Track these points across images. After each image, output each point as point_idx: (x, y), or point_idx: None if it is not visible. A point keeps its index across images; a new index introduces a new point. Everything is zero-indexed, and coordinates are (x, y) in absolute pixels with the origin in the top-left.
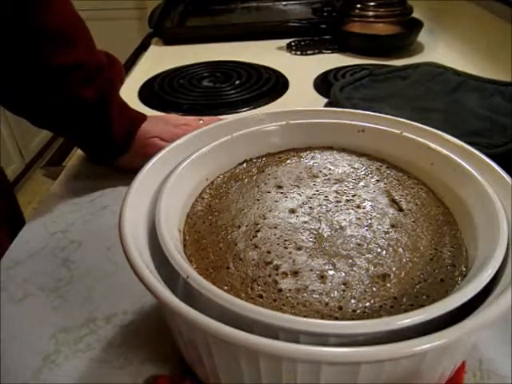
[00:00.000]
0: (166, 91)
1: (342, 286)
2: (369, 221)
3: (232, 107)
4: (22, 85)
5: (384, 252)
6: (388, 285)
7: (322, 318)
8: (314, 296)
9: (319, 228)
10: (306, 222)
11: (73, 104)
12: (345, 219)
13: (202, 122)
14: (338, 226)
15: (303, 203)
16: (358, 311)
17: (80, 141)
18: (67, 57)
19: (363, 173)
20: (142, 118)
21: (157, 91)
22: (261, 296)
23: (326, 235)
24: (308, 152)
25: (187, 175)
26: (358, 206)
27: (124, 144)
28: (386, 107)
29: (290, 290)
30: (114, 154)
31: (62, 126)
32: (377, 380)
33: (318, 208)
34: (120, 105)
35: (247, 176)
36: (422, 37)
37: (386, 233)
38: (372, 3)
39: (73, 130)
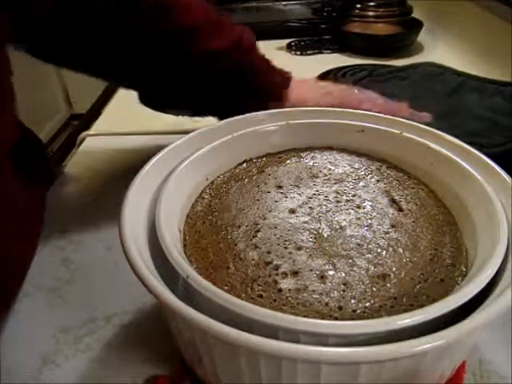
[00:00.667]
0: None
1: (342, 286)
2: (369, 221)
3: None
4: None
5: (384, 252)
6: (388, 285)
7: (322, 318)
8: (314, 296)
9: (319, 228)
10: (305, 222)
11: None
12: (345, 219)
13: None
14: (337, 226)
15: (303, 203)
16: (358, 311)
17: (228, 103)
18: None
19: (363, 173)
20: (288, 77)
21: None
22: (261, 296)
23: (325, 235)
24: (308, 152)
25: (187, 175)
26: (358, 206)
27: (276, 95)
28: None
29: (289, 290)
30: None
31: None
32: (377, 380)
33: (318, 208)
34: (261, 58)
35: (247, 176)
36: (422, 37)
37: (386, 233)
38: (372, 3)
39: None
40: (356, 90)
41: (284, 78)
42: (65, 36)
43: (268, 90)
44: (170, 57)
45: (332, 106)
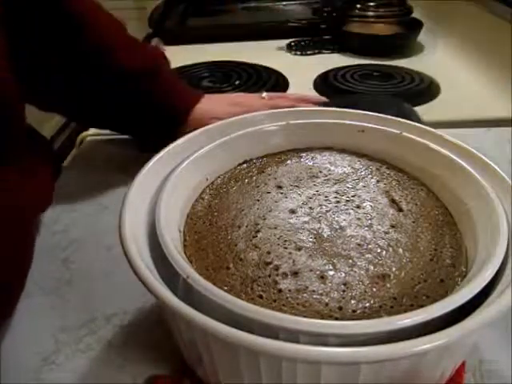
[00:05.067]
0: None
1: (342, 287)
2: (369, 221)
3: None
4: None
5: (384, 252)
6: (388, 285)
7: (322, 318)
8: (314, 296)
9: (319, 228)
10: (305, 223)
11: (121, 77)
12: (345, 219)
13: (264, 96)
14: (337, 227)
15: (303, 203)
16: (358, 311)
17: (132, 122)
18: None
19: (363, 173)
20: (198, 96)
21: None
22: (261, 296)
23: (325, 235)
24: (308, 152)
25: (187, 175)
26: (358, 207)
27: (179, 120)
28: None
29: (289, 290)
30: (169, 131)
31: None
32: (377, 380)
33: (318, 208)
34: (172, 81)
35: (247, 176)
36: (422, 37)
37: (386, 233)
38: (372, 3)
39: (124, 110)
40: (265, 96)
41: (192, 99)
42: None
43: (172, 115)
44: (82, 71)
45: (235, 115)
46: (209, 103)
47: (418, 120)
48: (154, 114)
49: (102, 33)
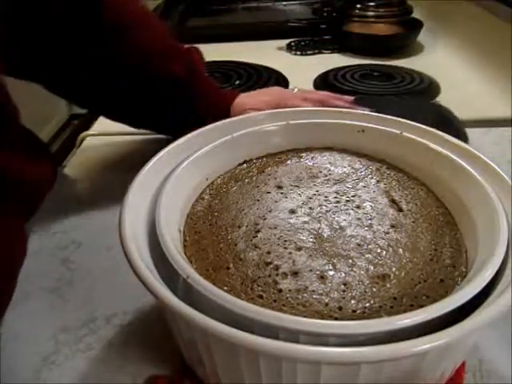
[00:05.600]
0: None
1: (342, 287)
2: (369, 221)
3: None
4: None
5: (384, 252)
6: (388, 285)
7: (322, 318)
8: (314, 296)
9: (319, 228)
10: (305, 223)
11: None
12: (345, 219)
13: (296, 90)
14: (337, 227)
15: (303, 203)
16: (358, 311)
17: (173, 124)
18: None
19: (363, 173)
20: (235, 93)
21: None
22: (261, 296)
23: (325, 235)
24: (308, 152)
25: (187, 175)
26: (358, 207)
27: (222, 117)
28: None
29: (290, 290)
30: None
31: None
32: (377, 380)
33: (318, 208)
34: (209, 82)
35: (247, 176)
36: (422, 37)
37: (386, 233)
38: (372, 3)
39: (164, 110)
40: (296, 90)
41: (232, 94)
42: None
43: (212, 111)
44: (126, 77)
45: (269, 104)
46: (242, 97)
47: (458, 121)
48: (195, 115)
49: (145, 37)
